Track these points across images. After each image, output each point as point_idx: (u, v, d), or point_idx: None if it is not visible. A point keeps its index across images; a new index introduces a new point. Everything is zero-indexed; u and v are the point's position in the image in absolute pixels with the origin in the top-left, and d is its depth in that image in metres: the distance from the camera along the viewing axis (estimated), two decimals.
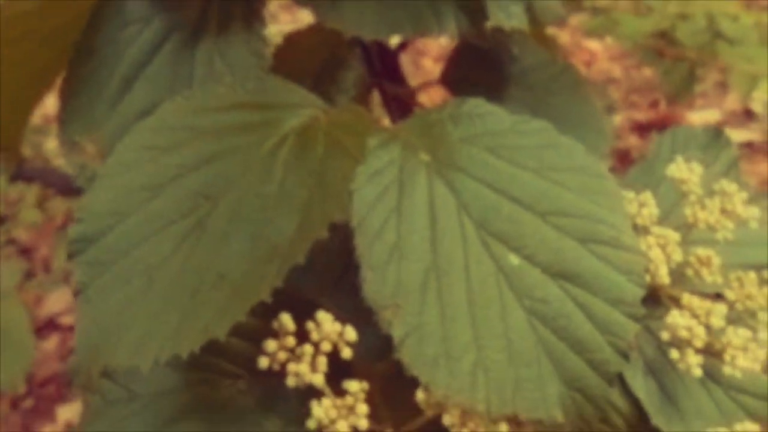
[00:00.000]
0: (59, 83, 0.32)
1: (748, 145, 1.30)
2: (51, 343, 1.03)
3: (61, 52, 0.32)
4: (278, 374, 0.24)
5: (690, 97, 1.34)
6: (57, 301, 1.08)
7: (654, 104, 1.39)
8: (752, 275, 0.29)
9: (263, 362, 0.23)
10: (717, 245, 0.30)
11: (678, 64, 1.00)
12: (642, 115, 1.36)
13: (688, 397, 0.30)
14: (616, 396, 0.30)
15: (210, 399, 0.26)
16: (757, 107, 1.32)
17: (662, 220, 0.31)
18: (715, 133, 0.37)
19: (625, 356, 0.24)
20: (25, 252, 1.14)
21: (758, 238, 0.34)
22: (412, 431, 0.23)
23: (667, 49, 1.05)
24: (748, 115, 1.33)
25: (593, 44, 1.48)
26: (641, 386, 0.29)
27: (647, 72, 1.38)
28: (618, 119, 1.34)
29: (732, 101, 1.34)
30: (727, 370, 0.26)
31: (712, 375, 0.31)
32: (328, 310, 0.24)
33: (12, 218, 1.10)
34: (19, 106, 0.36)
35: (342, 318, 0.24)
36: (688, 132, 0.37)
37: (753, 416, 0.30)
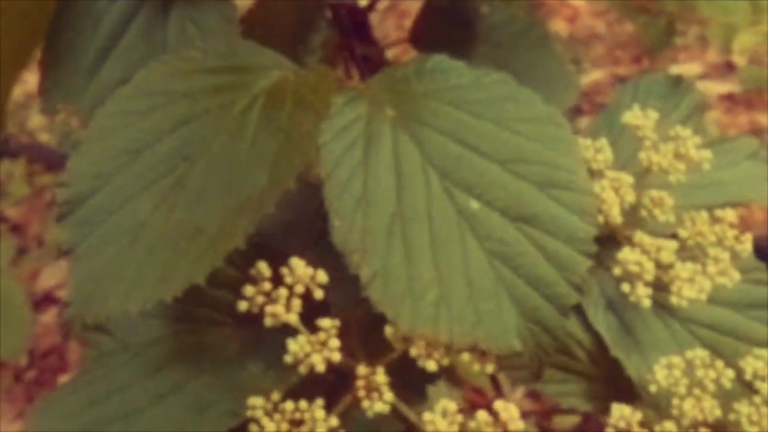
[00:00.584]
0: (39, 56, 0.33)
1: (729, 98, 1.32)
2: (49, 316, 1.05)
3: (38, 25, 0.33)
4: (260, 320, 0.26)
5: (672, 51, 1.35)
6: (52, 276, 1.10)
7: (637, 59, 1.39)
8: (704, 214, 0.31)
9: (242, 306, 0.24)
10: (673, 189, 0.32)
11: (657, 18, 1.00)
12: (625, 70, 1.36)
13: (646, 329, 0.32)
14: (578, 330, 0.32)
15: (196, 346, 0.28)
16: (738, 60, 1.33)
17: (623, 167, 0.33)
18: (676, 81, 0.38)
19: (579, 290, 0.26)
20: (17, 229, 1.15)
21: (714, 181, 0.36)
22: (384, 365, 0.25)
23: (648, 3, 1.05)
24: (729, 68, 1.34)
25: (576, 0, 1.47)
26: (602, 321, 0.31)
27: (630, 27, 1.39)
28: (601, 74, 1.35)
29: (713, 54, 1.35)
30: (674, 300, 0.28)
31: (669, 309, 0.33)
32: (309, 264, 0.26)
33: (1, 197, 1.11)
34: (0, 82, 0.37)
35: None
36: (650, 81, 0.39)
37: (706, 345, 0.32)
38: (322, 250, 0.28)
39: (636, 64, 1.38)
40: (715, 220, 0.31)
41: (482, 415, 0.24)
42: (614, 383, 0.31)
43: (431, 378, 0.27)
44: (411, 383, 0.27)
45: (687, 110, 0.38)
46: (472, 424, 0.24)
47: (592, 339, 0.32)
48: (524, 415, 0.26)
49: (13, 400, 1.01)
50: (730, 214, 0.31)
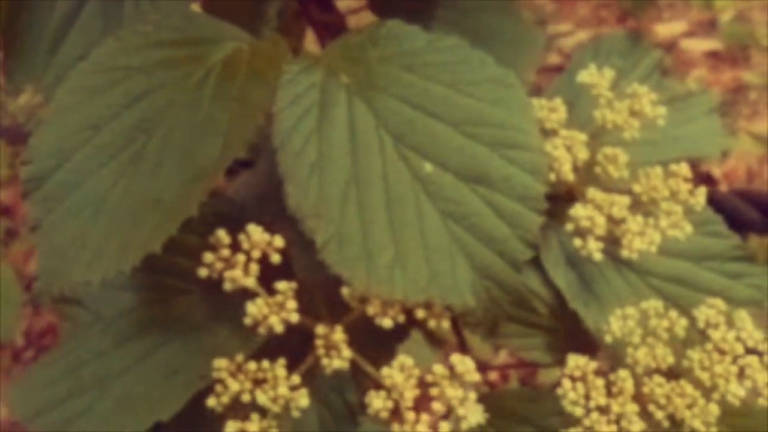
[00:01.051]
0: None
1: (713, 55, 1.31)
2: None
3: None
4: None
5: (656, 9, 1.34)
6: None
7: (622, 19, 1.38)
8: (658, 169, 0.32)
9: (202, 272, 0.25)
10: (631, 147, 0.33)
11: None
12: (609, 30, 1.36)
13: (604, 283, 0.33)
14: (538, 286, 0.33)
15: (165, 314, 0.29)
16: (722, 17, 1.33)
17: (583, 126, 0.34)
18: (635, 39, 0.39)
19: (532, 246, 0.26)
20: (7, 211, 1.15)
21: (672, 137, 0.37)
22: (347, 325, 0.26)
23: None
24: (713, 26, 1.33)
25: None
26: (561, 276, 0.32)
27: None
28: (586, 35, 1.34)
29: (698, 12, 1.34)
30: (624, 253, 0.29)
31: (627, 263, 0.34)
32: (280, 234, 0.27)
33: None
34: None
35: (290, 240, 0.27)
36: (611, 40, 0.39)
37: (664, 297, 0.33)
38: (292, 220, 0.29)
39: (621, 24, 1.38)
40: (669, 174, 0.32)
41: (439, 368, 0.25)
42: (574, 336, 0.32)
43: (401, 337, 0.28)
44: (383, 344, 0.28)
45: (647, 69, 0.39)
46: (429, 378, 0.25)
47: (552, 294, 0.33)
48: (506, 370, 0.27)
49: (12, 380, 1.02)
50: (684, 169, 0.32)
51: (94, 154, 0.27)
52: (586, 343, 0.32)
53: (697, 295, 0.33)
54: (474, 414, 0.25)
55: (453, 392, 0.24)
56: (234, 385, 0.24)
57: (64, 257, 0.26)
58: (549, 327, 0.32)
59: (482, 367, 0.33)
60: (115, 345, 0.29)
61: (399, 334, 0.28)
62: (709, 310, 0.30)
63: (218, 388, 0.25)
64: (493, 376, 0.67)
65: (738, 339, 0.29)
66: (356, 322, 0.26)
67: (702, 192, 0.32)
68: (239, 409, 0.25)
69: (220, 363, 0.25)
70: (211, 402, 0.25)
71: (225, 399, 0.24)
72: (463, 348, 0.31)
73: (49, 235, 0.27)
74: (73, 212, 0.27)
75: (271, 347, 0.27)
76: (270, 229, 0.27)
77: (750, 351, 0.29)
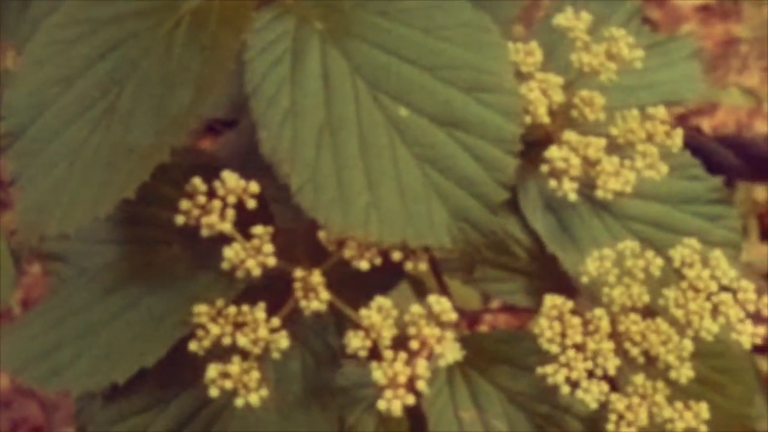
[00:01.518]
0: None
1: (704, 9, 1.30)
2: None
3: None
4: (207, 237, 0.27)
5: None
6: None
7: None
8: (635, 112, 0.32)
9: (180, 219, 0.25)
10: (610, 91, 0.33)
11: None
12: None
13: (582, 227, 0.33)
14: (517, 231, 0.33)
15: (148, 265, 0.29)
16: None
17: (563, 70, 0.34)
18: None
19: (507, 188, 0.27)
20: None
21: (650, 82, 0.37)
22: (323, 269, 0.26)
23: None
24: None
25: None
26: (539, 220, 0.33)
27: None
28: None
29: None
30: (599, 193, 0.29)
31: (606, 207, 0.34)
32: (263, 188, 0.27)
33: None
34: None
35: (272, 196, 0.27)
36: None
37: (642, 240, 0.34)
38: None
39: None
40: (646, 117, 0.32)
41: (416, 308, 0.26)
42: (554, 279, 0.33)
43: (385, 286, 0.29)
44: (367, 292, 0.28)
45: (627, 14, 0.38)
46: (407, 317, 0.25)
47: (530, 239, 0.33)
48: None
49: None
50: (661, 111, 0.32)
51: (68, 107, 0.27)
52: (566, 286, 0.32)
53: (674, 237, 0.33)
54: (451, 352, 0.25)
55: (430, 331, 0.25)
56: (214, 329, 0.25)
57: (41, 211, 0.26)
58: (529, 271, 0.33)
59: (472, 318, 0.33)
60: (100, 296, 0.29)
61: (382, 282, 0.28)
62: (684, 250, 0.30)
63: (199, 332, 0.25)
64: (484, 328, 0.68)
65: (712, 277, 0.30)
66: (340, 271, 0.27)
67: (678, 134, 0.32)
68: (221, 353, 0.25)
69: (200, 308, 0.25)
70: (192, 346, 0.25)
71: (206, 343, 0.25)
72: (444, 293, 0.31)
73: (27, 189, 0.27)
74: (49, 165, 0.27)
75: (253, 294, 0.27)
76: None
77: (724, 289, 0.30)
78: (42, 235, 0.25)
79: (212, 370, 0.25)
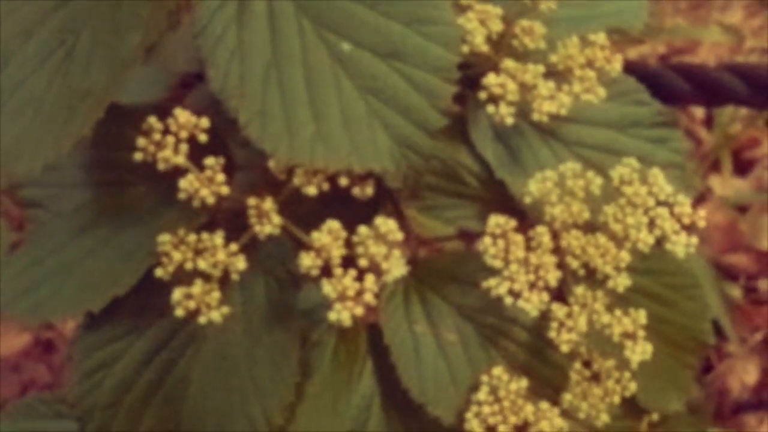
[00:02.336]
0: None
1: None
2: None
3: None
4: (169, 177, 0.29)
5: None
6: None
7: None
8: (575, 39, 0.33)
9: (138, 156, 0.27)
10: (553, 23, 0.34)
11: None
12: None
13: (530, 154, 0.35)
14: (467, 160, 0.35)
15: (117, 206, 0.31)
16: None
17: (506, 7, 0.35)
18: None
19: (446, 114, 0.28)
20: None
21: (597, 14, 0.38)
22: (279, 199, 0.28)
23: None
24: None
25: None
26: (489, 149, 0.34)
27: None
28: None
29: None
30: (535, 116, 0.31)
31: (555, 134, 0.36)
32: (231, 134, 0.29)
33: None
34: None
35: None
36: None
37: (589, 164, 0.35)
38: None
39: None
40: (586, 44, 0.33)
41: (363, 229, 0.27)
42: (504, 205, 0.34)
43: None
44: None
45: None
46: (355, 238, 0.27)
47: (481, 167, 0.35)
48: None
49: None
50: (601, 37, 0.33)
51: (29, 57, 0.29)
52: (515, 210, 0.34)
53: (619, 160, 0.35)
54: (397, 267, 0.27)
55: (376, 249, 0.27)
56: (177, 256, 0.27)
57: (9, 155, 0.28)
58: (480, 197, 0.35)
59: (430, 245, 0.35)
60: (74, 236, 0.31)
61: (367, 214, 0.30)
62: (623, 169, 0.32)
63: (164, 259, 0.27)
64: None
65: (650, 193, 0.32)
66: (305, 206, 0.28)
67: (618, 59, 0.33)
68: (186, 280, 0.27)
69: (164, 237, 0.27)
70: (158, 272, 0.27)
71: (170, 269, 0.27)
72: (401, 220, 0.33)
73: None
74: (15, 113, 0.29)
75: (214, 226, 0.29)
76: (222, 131, 0.29)
77: (661, 204, 0.32)
78: (14, 180, 0.27)
79: (177, 293, 0.27)
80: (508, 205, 0.35)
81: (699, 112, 0.93)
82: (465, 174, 0.34)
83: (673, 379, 0.38)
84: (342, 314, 0.26)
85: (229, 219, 0.30)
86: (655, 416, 0.35)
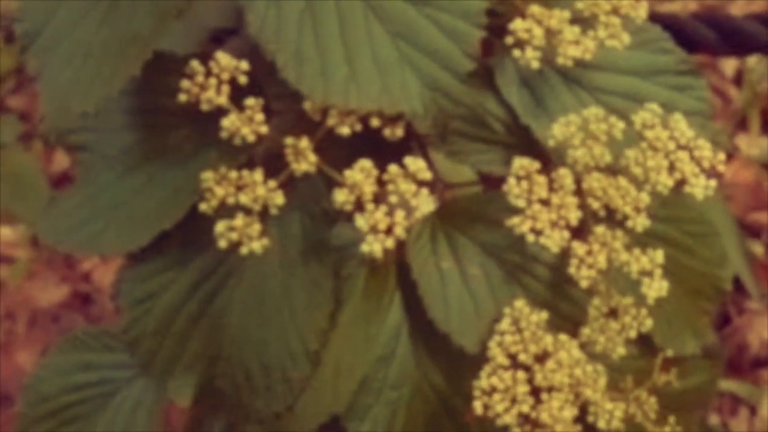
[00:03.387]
0: None
1: None
2: None
3: None
4: (211, 119, 0.30)
5: None
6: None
7: None
8: None
9: (182, 97, 0.29)
10: None
11: None
12: None
13: (555, 100, 0.36)
14: (494, 106, 0.36)
15: (161, 147, 0.33)
16: None
17: None
18: None
19: (473, 58, 0.29)
20: (22, 116, 1.20)
21: None
22: (312, 139, 0.29)
23: None
24: None
25: None
26: (515, 95, 0.35)
27: None
28: None
29: None
30: (560, 60, 0.32)
31: (579, 81, 0.37)
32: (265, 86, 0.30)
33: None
34: None
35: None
36: None
37: (612, 111, 0.36)
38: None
39: None
40: None
41: (393, 167, 0.29)
42: (528, 149, 0.36)
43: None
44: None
45: None
46: (386, 176, 0.29)
47: (507, 113, 0.36)
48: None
49: (55, 268, 1.11)
50: None
51: (75, 6, 0.31)
52: (539, 156, 0.35)
53: (642, 107, 0.35)
54: (426, 204, 0.29)
55: (406, 186, 0.28)
56: (219, 191, 0.29)
57: (63, 98, 0.29)
58: (505, 142, 0.36)
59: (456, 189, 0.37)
60: (121, 176, 0.33)
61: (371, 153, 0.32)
62: (645, 114, 0.33)
63: (207, 195, 0.29)
64: None
65: (671, 137, 0.33)
66: (338, 148, 0.30)
67: (643, 6, 0.34)
68: (226, 214, 0.29)
69: (207, 175, 0.29)
70: (202, 207, 0.29)
71: (213, 203, 0.29)
72: (428, 163, 0.34)
73: (48, 82, 0.31)
74: (66, 59, 0.30)
75: (254, 165, 0.31)
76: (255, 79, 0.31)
77: (682, 147, 0.33)
78: (66, 125, 0.29)
79: (221, 225, 0.29)
80: (533, 150, 0.36)
81: (729, 69, 0.92)
82: (491, 120, 0.36)
83: (690, 323, 0.40)
84: (374, 246, 0.28)
85: (267, 160, 0.32)
86: (670, 352, 0.37)
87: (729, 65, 0.92)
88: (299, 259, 0.32)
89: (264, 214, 0.29)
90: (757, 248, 0.75)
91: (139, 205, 0.32)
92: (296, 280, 0.31)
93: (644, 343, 0.37)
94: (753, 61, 0.89)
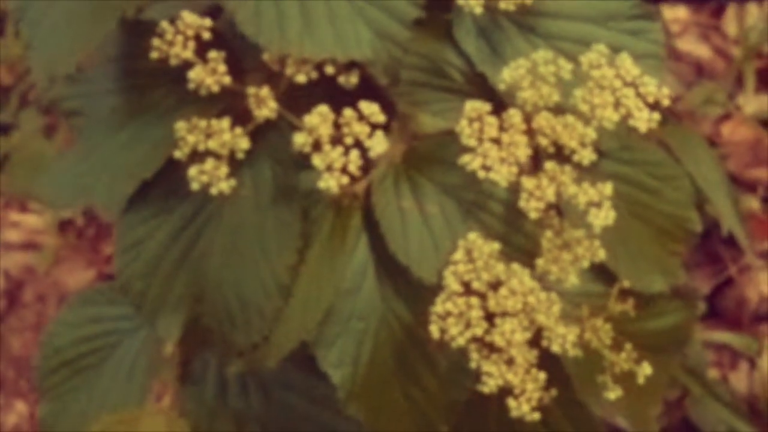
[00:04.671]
0: None
1: None
2: None
3: None
4: (186, 78, 0.33)
5: None
6: None
7: None
8: None
9: (153, 54, 0.32)
10: None
11: None
12: None
13: (511, 48, 0.38)
14: (452, 57, 0.38)
15: (144, 106, 0.36)
16: None
17: None
18: None
19: (419, 6, 0.32)
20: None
21: None
22: (277, 91, 0.32)
23: None
24: None
25: None
26: (472, 44, 0.37)
27: None
28: None
29: None
30: (502, 5, 0.34)
31: (534, 29, 0.38)
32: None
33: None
34: None
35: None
36: None
37: (568, 57, 0.38)
38: None
39: None
40: None
41: (348, 111, 0.31)
42: (485, 97, 0.38)
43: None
44: None
45: None
46: (341, 120, 0.31)
47: (465, 63, 0.38)
48: None
49: (81, 252, 1.17)
50: None
51: None
52: (495, 102, 0.37)
53: None
54: (378, 144, 0.31)
55: (360, 128, 0.31)
56: (191, 138, 0.32)
57: (51, 47, 0.33)
58: (464, 91, 0.38)
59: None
60: (110, 135, 0.36)
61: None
62: (592, 54, 0.35)
63: (180, 143, 0.32)
64: None
65: (617, 76, 0.34)
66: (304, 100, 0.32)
67: None
68: (199, 160, 0.32)
69: (180, 124, 0.32)
70: (176, 154, 0.32)
71: (186, 150, 0.32)
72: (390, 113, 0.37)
73: (37, 51, 0.34)
74: (51, 28, 0.34)
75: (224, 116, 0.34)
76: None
77: (628, 85, 0.34)
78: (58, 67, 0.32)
79: (193, 170, 0.32)
80: (490, 96, 0.38)
81: (732, 30, 0.92)
82: (451, 70, 0.38)
83: (660, 264, 0.41)
84: (329, 182, 0.30)
85: (237, 112, 0.34)
86: (626, 283, 0.38)
87: (732, 26, 0.92)
88: (271, 203, 0.34)
89: (233, 160, 0.32)
90: (753, 203, 0.76)
91: (124, 159, 0.35)
92: (268, 221, 0.34)
93: (607, 282, 0.39)
94: (753, 18, 0.88)
